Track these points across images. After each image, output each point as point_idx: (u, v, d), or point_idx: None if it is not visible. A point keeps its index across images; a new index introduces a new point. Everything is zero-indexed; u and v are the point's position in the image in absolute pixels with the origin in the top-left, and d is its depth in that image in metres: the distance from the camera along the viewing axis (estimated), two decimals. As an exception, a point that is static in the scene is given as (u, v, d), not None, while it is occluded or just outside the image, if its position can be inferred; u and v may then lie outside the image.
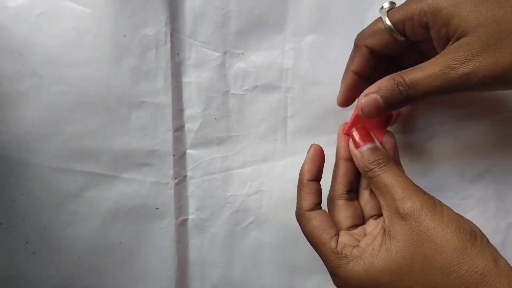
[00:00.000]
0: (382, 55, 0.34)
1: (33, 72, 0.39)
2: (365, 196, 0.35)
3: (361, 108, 0.31)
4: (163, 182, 0.41)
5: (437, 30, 0.30)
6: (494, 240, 0.42)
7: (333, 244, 0.30)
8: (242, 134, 0.42)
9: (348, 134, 0.34)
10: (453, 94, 0.29)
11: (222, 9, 0.40)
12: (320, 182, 0.34)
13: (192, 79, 0.41)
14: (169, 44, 0.40)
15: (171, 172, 0.41)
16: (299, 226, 0.42)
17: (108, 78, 0.39)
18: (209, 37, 0.41)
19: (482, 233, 0.28)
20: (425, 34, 0.31)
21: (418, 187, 0.30)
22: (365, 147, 0.31)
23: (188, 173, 0.41)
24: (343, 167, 0.34)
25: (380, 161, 0.30)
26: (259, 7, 0.41)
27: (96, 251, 0.41)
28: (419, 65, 0.30)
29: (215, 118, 0.41)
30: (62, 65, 0.39)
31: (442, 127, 0.41)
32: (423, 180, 0.41)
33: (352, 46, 0.38)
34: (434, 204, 0.28)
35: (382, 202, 0.30)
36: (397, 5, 0.33)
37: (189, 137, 0.41)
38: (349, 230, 0.33)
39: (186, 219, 0.42)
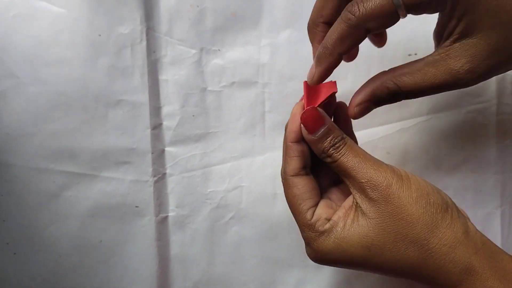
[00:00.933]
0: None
1: (10, 73, 0.39)
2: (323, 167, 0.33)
3: (354, 114, 0.30)
4: (143, 180, 0.41)
5: (449, 17, 0.27)
6: (472, 229, 0.42)
7: (308, 215, 0.29)
8: (220, 130, 0.42)
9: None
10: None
11: (198, 7, 0.41)
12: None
13: (169, 77, 0.41)
14: (145, 42, 0.40)
15: (150, 169, 0.41)
16: (279, 221, 0.42)
17: (85, 77, 0.40)
18: (185, 35, 0.41)
19: (453, 204, 0.28)
20: (430, 11, 0.28)
21: (381, 162, 0.28)
22: (319, 132, 0.29)
23: (168, 171, 0.42)
24: (296, 149, 0.31)
25: (336, 144, 0.29)
26: (234, 4, 0.41)
27: (77, 250, 0.41)
28: (415, 67, 0.28)
29: (193, 115, 0.41)
30: (38, 65, 0.39)
31: (418, 119, 0.42)
32: (401, 172, 0.42)
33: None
34: (401, 179, 0.28)
35: (348, 183, 0.29)
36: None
37: (168, 135, 0.41)
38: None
39: (167, 216, 0.42)
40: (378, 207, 0.27)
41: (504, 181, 0.42)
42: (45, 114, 0.40)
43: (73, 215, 0.40)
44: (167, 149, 0.41)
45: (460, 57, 0.27)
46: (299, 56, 0.41)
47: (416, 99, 0.42)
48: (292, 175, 0.30)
